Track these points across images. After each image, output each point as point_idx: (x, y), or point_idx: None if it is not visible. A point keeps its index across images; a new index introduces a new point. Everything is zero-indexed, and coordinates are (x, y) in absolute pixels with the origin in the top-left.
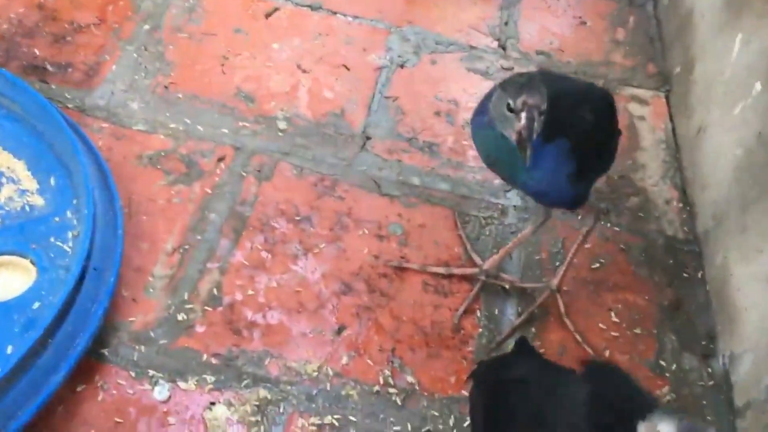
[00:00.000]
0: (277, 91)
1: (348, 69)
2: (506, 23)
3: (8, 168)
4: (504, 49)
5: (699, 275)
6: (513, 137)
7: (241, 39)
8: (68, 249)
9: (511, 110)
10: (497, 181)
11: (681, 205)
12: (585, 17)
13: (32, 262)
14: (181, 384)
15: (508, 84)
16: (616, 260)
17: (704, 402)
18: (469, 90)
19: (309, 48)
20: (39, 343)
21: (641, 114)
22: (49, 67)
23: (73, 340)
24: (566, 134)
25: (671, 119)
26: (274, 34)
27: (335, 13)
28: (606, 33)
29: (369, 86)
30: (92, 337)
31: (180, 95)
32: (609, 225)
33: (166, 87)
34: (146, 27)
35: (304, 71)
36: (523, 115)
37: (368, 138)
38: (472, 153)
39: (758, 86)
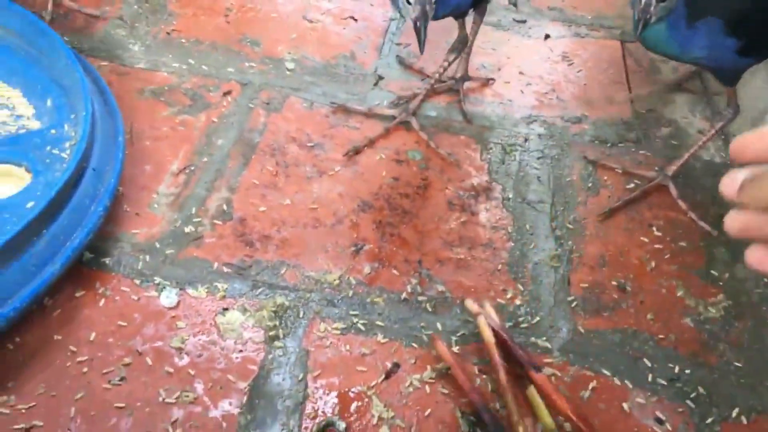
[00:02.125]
0: (284, 37)
1: (356, 20)
2: None
3: (2, 96)
4: (515, 6)
5: None
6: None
7: None
8: (66, 156)
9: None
10: (517, 115)
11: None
12: None
13: (27, 170)
14: (191, 291)
15: None
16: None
17: (764, 308)
18: (481, 38)
19: (314, 3)
20: (31, 233)
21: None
22: (46, 15)
23: (69, 234)
24: (715, 13)
25: None
26: None
27: None
28: None
29: (379, 35)
30: (91, 232)
31: (183, 40)
32: (642, 151)
33: (168, 33)
34: None
35: (310, 21)
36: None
37: (381, 78)
38: (490, 91)
39: None
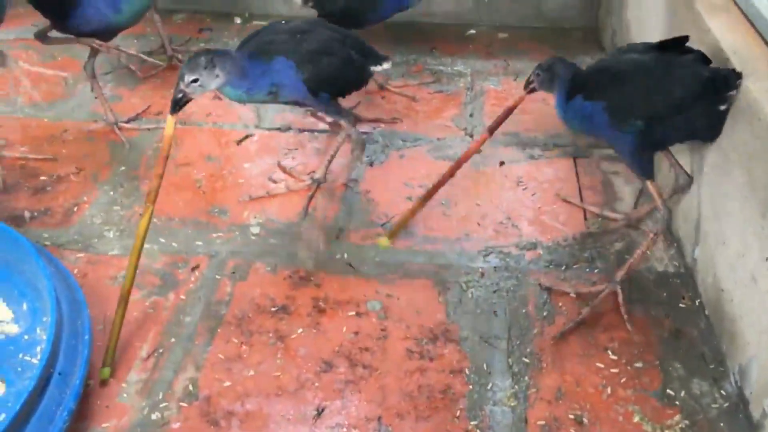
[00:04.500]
0: (250, 202)
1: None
2: (471, 115)
3: None
4: (471, 136)
5: (697, 303)
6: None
7: (214, 165)
8: (35, 362)
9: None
10: (474, 249)
11: (667, 242)
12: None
13: (1, 379)
14: None
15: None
16: (606, 301)
17: (721, 424)
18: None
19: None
20: None
21: (614, 170)
22: (27, 214)
23: None
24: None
25: None
26: (245, 156)
27: (303, 131)
28: None
29: (339, 185)
30: None
31: (155, 219)
32: (596, 270)
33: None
34: (122, 168)
35: (275, 182)
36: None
37: (341, 230)
38: (448, 226)
39: None
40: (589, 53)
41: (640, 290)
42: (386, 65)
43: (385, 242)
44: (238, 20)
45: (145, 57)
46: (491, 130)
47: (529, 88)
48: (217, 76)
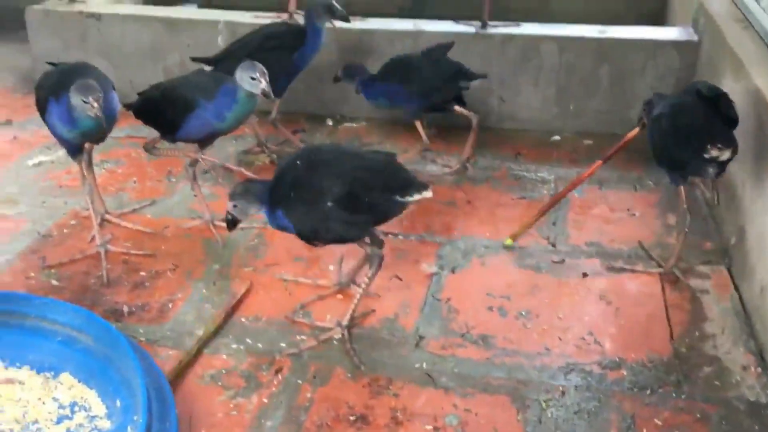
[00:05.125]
0: (334, 305)
1: (400, 279)
2: (554, 223)
3: (81, 398)
4: (554, 245)
5: None
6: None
7: (302, 265)
8: None
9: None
10: (555, 365)
11: (760, 369)
12: (634, 209)
13: None
14: None
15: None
16: (694, 430)
17: None
18: (521, 285)
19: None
20: None
21: (704, 288)
22: (126, 309)
23: None
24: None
25: (736, 288)
26: (331, 258)
27: (387, 234)
28: (657, 219)
29: (421, 291)
30: None
31: (243, 319)
32: (683, 396)
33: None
34: (215, 266)
35: (358, 285)
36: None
37: (421, 337)
38: (528, 339)
39: None
40: None
41: (730, 421)
42: (425, 194)
43: (509, 242)
44: (329, 122)
45: (234, 168)
46: (606, 159)
47: (641, 123)
48: (252, 203)
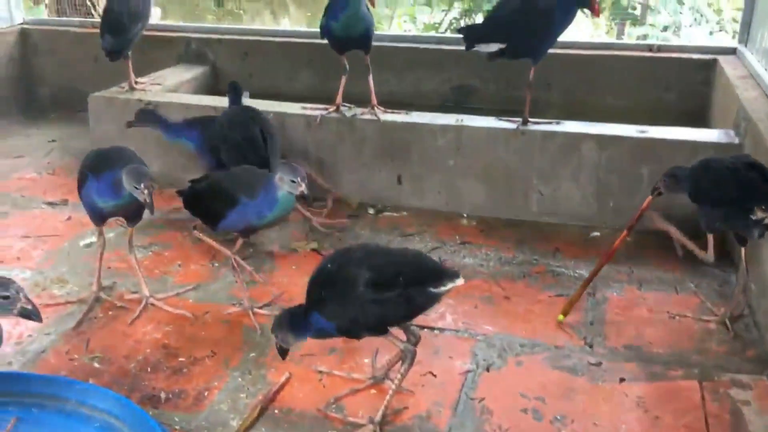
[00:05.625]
0: (367, 400)
1: (434, 375)
2: (591, 323)
3: None
4: (591, 346)
5: None
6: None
7: (336, 358)
8: None
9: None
10: None
11: None
12: (673, 311)
13: None
14: None
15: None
16: None
17: None
18: (556, 386)
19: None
20: None
21: (746, 399)
22: (163, 395)
23: None
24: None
25: None
26: (366, 350)
27: (423, 327)
28: (697, 323)
29: (455, 389)
30: None
31: (276, 411)
32: None
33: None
34: (252, 354)
35: (391, 379)
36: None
37: None
38: None
39: None
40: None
41: None
42: (458, 282)
43: (561, 318)
44: (371, 211)
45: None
46: (629, 229)
47: (657, 192)
48: (288, 332)
